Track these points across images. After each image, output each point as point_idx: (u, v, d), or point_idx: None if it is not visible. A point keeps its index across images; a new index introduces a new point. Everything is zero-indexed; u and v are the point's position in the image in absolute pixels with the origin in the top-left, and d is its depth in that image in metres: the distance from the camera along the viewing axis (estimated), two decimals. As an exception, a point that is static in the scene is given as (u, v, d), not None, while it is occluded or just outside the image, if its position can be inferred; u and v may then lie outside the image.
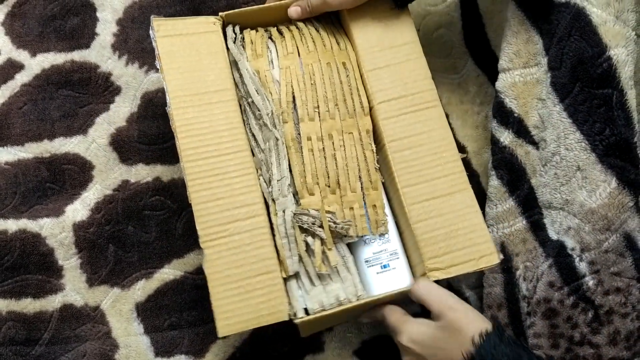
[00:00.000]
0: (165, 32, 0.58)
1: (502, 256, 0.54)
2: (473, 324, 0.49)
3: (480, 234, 0.55)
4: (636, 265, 0.55)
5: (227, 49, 0.61)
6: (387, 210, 0.59)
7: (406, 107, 0.59)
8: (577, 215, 0.57)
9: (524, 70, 0.60)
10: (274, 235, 0.55)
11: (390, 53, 0.60)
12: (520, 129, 0.60)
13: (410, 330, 0.51)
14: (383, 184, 0.60)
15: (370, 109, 0.60)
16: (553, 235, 0.58)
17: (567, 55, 0.58)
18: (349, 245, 0.58)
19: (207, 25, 0.60)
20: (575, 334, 0.56)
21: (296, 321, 0.52)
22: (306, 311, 0.54)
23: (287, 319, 0.52)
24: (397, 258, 0.58)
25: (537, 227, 0.58)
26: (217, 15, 0.60)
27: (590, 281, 0.56)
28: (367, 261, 0.58)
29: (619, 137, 0.56)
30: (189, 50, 0.58)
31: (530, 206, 0.59)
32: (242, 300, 0.52)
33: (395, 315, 0.54)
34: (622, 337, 0.55)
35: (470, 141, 0.71)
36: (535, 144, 0.60)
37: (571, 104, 0.58)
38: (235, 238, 0.53)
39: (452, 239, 0.55)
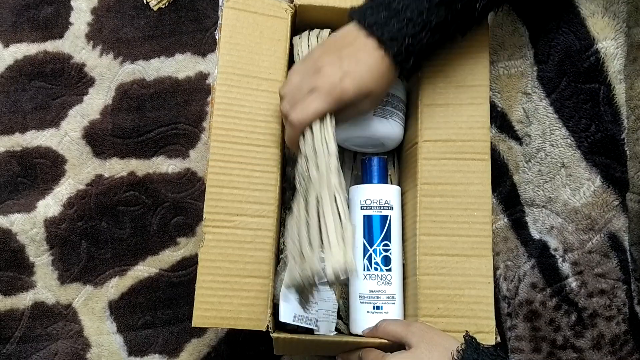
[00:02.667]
0: (235, 3, 0.56)
1: (499, 339, 0.51)
2: (445, 339, 0.47)
3: (485, 308, 0.51)
4: (621, 266, 0.53)
5: (291, 44, 0.58)
6: (399, 252, 0.57)
7: (452, 152, 0.54)
8: (560, 214, 0.55)
9: (508, 63, 0.58)
10: (277, 242, 0.53)
11: (455, 92, 0.55)
12: (504, 124, 0.58)
13: None
14: (403, 223, 0.57)
15: (415, 144, 0.56)
16: (535, 235, 0.56)
17: (554, 48, 0.56)
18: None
19: (278, 10, 0.57)
20: (558, 337, 0.54)
21: (273, 335, 0.50)
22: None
23: (264, 329, 0.51)
24: (393, 303, 0.55)
25: (518, 226, 0.56)
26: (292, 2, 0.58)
27: (573, 282, 0.54)
28: (361, 296, 0.55)
29: (605, 134, 0.54)
30: (252, 29, 0.56)
31: (512, 203, 0.57)
32: (226, 297, 0.51)
33: (373, 354, 0.51)
34: (606, 341, 0.53)
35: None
36: (518, 139, 0.58)
37: (557, 99, 0.56)
38: (238, 232, 0.52)
39: (454, 304, 0.52)
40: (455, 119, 0.54)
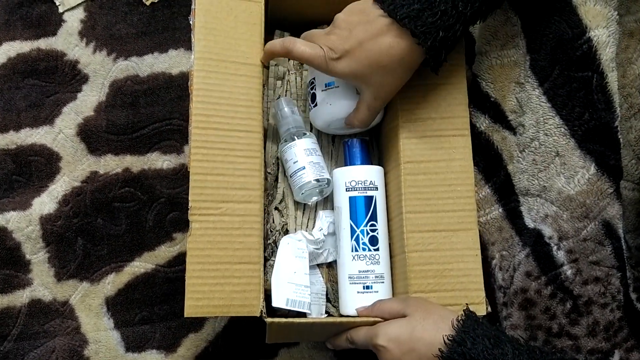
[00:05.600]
0: None
1: (489, 309, 0.52)
2: (441, 309, 0.48)
3: (474, 279, 0.53)
4: (616, 254, 0.53)
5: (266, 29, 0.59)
6: (385, 231, 0.57)
7: (432, 130, 0.56)
8: (554, 203, 0.55)
9: (501, 52, 0.58)
10: (265, 227, 0.53)
11: (431, 73, 0.54)
12: (497, 114, 0.58)
13: (386, 330, 0.49)
14: (388, 202, 0.58)
15: (395, 124, 0.57)
16: (530, 224, 0.56)
17: (546, 37, 0.56)
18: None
19: None
20: (553, 325, 0.54)
21: (267, 320, 0.50)
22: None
23: (257, 314, 0.51)
24: (382, 282, 0.56)
25: (513, 215, 0.56)
26: None
27: (568, 270, 0.54)
28: (350, 277, 0.56)
29: (599, 122, 0.54)
30: (226, 14, 0.56)
31: (506, 193, 0.57)
32: (217, 285, 0.51)
33: (363, 329, 0.52)
34: (601, 328, 0.53)
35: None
36: (512, 129, 0.58)
37: (550, 88, 0.56)
38: (226, 219, 0.52)
39: (444, 278, 0.53)
40: (434, 98, 0.56)
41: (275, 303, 0.53)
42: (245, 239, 0.52)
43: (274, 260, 0.56)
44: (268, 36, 0.66)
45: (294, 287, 0.54)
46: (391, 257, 0.58)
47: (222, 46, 0.55)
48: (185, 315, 0.50)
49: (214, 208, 0.52)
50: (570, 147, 0.54)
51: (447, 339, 0.45)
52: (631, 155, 0.51)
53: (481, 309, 0.52)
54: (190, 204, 0.51)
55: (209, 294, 0.50)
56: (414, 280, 0.53)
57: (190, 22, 0.56)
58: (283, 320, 0.51)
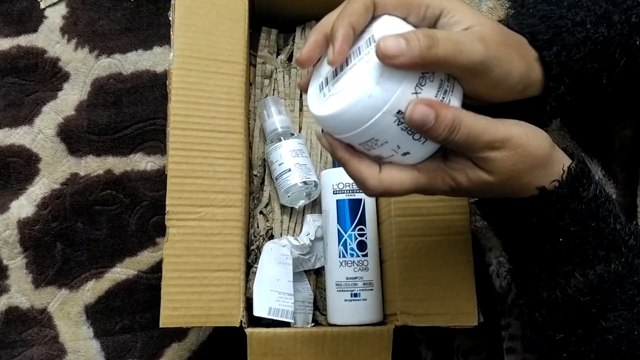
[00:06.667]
0: None
1: (482, 319, 0.49)
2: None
3: (465, 287, 0.49)
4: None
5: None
6: (374, 236, 0.55)
7: None
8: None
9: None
10: (247, 234, 0.51)
11: None
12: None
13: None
14: (377, 205, 0.55)
15: None
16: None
17: None
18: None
19: None
20: (553, 336, 0.51)
21: (247, 330, 0.48)
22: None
23: (237, 324, 0.48)
24: (371, 289, 0.53)
25: (511, 220, 0.53)
26: None
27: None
28: (337, 284, 0.53)
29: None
30: (208, 9, 0.53)
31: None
32: (195, 294, 0.48)
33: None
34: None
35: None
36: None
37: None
38: (205, 224, 0.49)
39: (434, 285, 0.50)
40: None
41: (257, 312, 0.50)
42: (225, 245, 0.50)
43: (257, 267, 0.53)
44: (254, 33, 0.63)
45: (277, 295, 0.52)
46: (381, 262, 0.55)
47: (203, 43, 0.53)
48: (161, 326, 0.48)
49: (193, 212, 0.50)
50: (570, 150, 0.51)
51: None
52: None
53: (472, 319, 0.49)
54: (167, 208, 0.49)
55: (186, 303, 0.48)
56: (403, 287, 0.50)
57: (170, 18, 0.53)
58: (264, 330, 0.48)
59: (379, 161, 0.34)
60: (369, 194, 0.34)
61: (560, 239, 0.35)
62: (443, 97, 0.31)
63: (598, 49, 0.37)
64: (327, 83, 0.33)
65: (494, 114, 0.33)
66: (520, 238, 0.38)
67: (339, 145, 0.33)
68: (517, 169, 0.33)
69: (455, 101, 0.32)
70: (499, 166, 0.33)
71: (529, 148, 0.33)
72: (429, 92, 0.31)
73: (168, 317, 0.48)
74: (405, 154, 0.32)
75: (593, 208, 0.35)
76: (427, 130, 0.31)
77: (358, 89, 0.30)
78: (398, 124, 0.31)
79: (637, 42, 0.38)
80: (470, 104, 0.35)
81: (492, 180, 0.33)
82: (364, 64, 0.31)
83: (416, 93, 0.30)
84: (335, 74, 0.33)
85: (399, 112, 0.30)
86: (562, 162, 0.35)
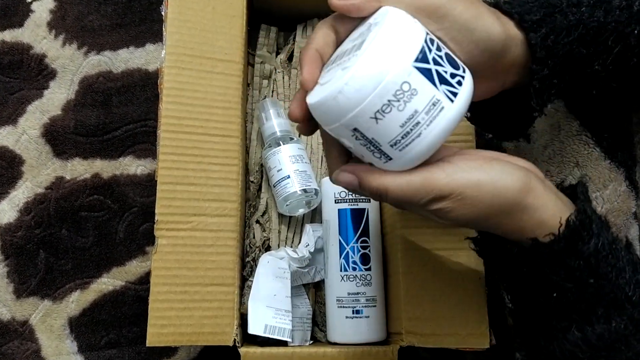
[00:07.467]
0: None
1: (494, 341, 0.46)
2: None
3: (476, 306, 0.46)
4: None
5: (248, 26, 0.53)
6: (378, 248, 0.51)
7: None
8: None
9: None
10: (242, 244, 0.48)
11: None
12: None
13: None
14: (382, 215, 0.52)
15: None
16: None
17: None
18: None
19: None
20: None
21: (241, 350, 0.45)
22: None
23: (230, 343, 0.46)
24: (374, 306, 0.50)
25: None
26: None
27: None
28: (338, 300, 0.50)
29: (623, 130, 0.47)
30: (203, 4, 0.51)
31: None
32: (185, 309, 0.46)
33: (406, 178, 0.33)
34: None
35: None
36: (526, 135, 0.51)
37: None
38: (197, 235, 0.47)
39: (442, 303, 0.46)
40: None
41: (252, 330, 0.47)
42: (219, 258, 0.47)
43: (253, 281, 0.49)
44: (252, 31, 0.60)
45: (273, 311, 0.48)
46: (385, 277, 0.51)
47: (198, 40, 0.50)
48: (148, 345, 0.45)
49: (184, 222, 0.47)
50: (593, 157, 0.47)
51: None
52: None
53: (483, 341, 0.46)
54: (156, 217, 0.46)
55: (176, 320, 0.46)
56: (408, 305, 0.47)
57: (162, 13, 0.50)
58: (259, 350, 0.45)
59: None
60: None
61: (554, 294, 0.33)
62: (410, 130, 0.29)
63: (590, 34, 0.35)
64: (325, 70, 0.32)
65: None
66: (516, 285, 0.36)
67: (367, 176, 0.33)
68: (471, 216, 0.32)
69: (434, 128, 0.30)
70: (448, 216, 0.32)
71: (481, 197, 0.31)
72: (394, 119, 0.29)
73: (155, 335, 0.45)
74: (370, 164, 0.32)
75: (593, 264, 0.32)
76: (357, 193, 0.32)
77: (326, 89, 0.30)
78: (356, 139, 0.30)
79: (636, 32, 0.35)
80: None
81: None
82: (343, 66, 0.30)
83: (375, 118, 0.29)
84: (333, 62, 0.32)
85: (355, 129, 0.29)
86: (544, 209, 0.32)
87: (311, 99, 0.31)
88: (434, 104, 0.29)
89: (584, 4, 0.36)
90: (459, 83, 0.30)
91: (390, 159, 0.30)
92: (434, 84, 0.29)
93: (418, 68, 0.29)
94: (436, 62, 0.29)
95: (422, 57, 0.29)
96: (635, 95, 0.48)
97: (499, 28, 0.33)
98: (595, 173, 0.47)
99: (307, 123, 0.33)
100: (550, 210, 0.32)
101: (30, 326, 0.59)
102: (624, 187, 0.46)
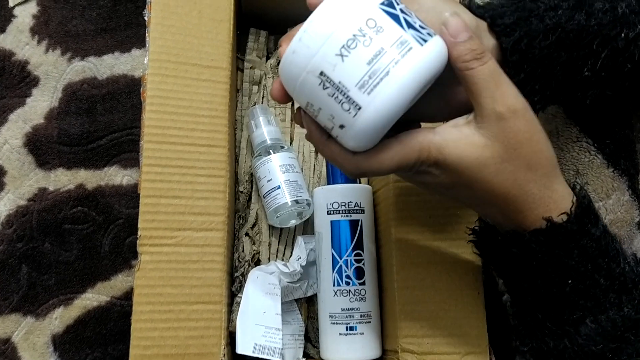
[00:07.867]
0: None
1: (494, 359, 0.45)
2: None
3: (475, 323, 0.45)
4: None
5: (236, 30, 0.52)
6: (373, 262, 0.49)
7: None
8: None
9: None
10: (231, 258, 0.46)
11: None
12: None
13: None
14: (376, 227, 0.50)
15: None
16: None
17: None
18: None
19: None
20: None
21: None
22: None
23: None
24: (369, 322, 0.48)
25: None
26: None
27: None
28: (331, 316, 0.48)
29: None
30: (188, 9, 0.49)
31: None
32: (170, 329, 0.44)
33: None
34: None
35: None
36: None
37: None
38: (182, 250, 0.45)
39: (439, 320, 0.45)
40: None
41: (240, 349, 0.45)
42: (205, 274, 0.45)
43: (241, 297, 0.47)
44: (241, 35, 0.58)
45: (263, 329, 0.46)
46: (380, 292, 0.49)
47: (182, 46, 0.48)
48: None
49: (168, 237, 0.45)
50: (595, 165, 0.45)
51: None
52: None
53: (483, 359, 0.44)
54: (139, 232, 0.44)
55: (160, 341, 0.44)
56: (404, 322, 0.45)
57: (145, 17, 0.47)
58: None
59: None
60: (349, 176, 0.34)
61: (569, 281, 0.32)
62: (377, 68, 0.28)
63: (570, 37, 0.34)
64: None
65: None
66: (522, 280, 0.34)
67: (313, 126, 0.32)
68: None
69: (403, 68, 0.28)
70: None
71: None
72: (360, 56, 0.28)
73: (138, 357, 0.44)
74: (341, 126, 0.30)
75: (603, 246, 0.32)
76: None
77: (293, 40, 0.29)
78: (324, 88, 0.29)
79: (623, 35, 0.35)
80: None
81: (489, 144, 0.30)
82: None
83: (341, 55, 0.28)
84: None
85: (321, 73, 0.29)
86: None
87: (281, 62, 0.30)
88: (401, 43, 0.28)
89: (561, 7, 0.35)
90: (430, 35, 0.30)
91: (360, 108, 0.29)
92: (401, 26, 0.29)
93: (384, 10, 0.29)
94: (404, 12, 0.29)
95: (389, 3, 0.29)
96: (636, 101, 0.47)
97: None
98: (598, 182, 0.45)
99: (287, 99, 0.33)
100: (560, 192, 0.32)
101: (12, 344, 0.57)
102: (627, 197, 0.44)
